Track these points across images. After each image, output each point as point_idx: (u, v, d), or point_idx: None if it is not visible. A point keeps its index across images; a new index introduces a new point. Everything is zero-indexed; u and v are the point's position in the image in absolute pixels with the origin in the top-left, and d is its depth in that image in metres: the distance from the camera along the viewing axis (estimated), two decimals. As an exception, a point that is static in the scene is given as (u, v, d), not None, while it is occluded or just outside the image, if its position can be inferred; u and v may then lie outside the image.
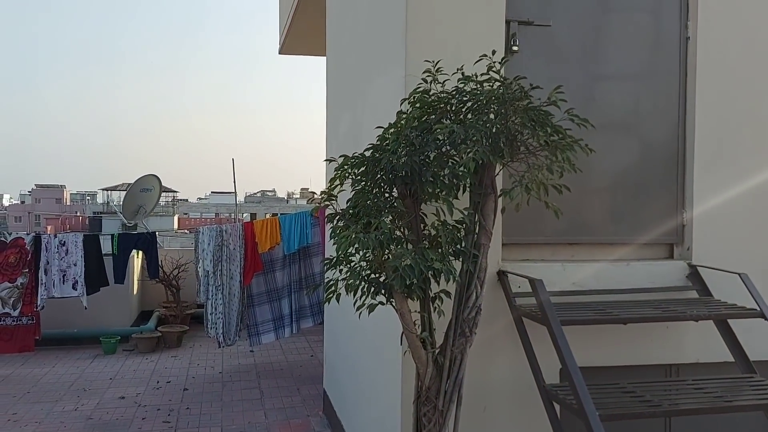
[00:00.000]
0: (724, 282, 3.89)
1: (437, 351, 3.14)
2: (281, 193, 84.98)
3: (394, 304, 3.10)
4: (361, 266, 3.06)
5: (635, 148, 4.09)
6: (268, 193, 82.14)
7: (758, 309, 3.49)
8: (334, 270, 3.14)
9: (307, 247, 7.99)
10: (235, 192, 16.60)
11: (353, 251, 3.05)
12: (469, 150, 2.91)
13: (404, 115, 3.23)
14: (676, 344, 3.95)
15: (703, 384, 3.35)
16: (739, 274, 3.69)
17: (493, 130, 2.96)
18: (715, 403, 3.10)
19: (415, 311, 3.12)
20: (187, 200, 78.49)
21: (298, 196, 76.84)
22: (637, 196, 4.07)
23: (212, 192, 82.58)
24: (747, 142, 4.10)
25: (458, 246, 3.14)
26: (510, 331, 3.70)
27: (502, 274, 3.72)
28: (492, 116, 3.04)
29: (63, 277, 7.80)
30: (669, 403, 3.08)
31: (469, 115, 3.11)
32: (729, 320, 3.66)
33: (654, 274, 3.95)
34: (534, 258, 3.96)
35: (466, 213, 3.11)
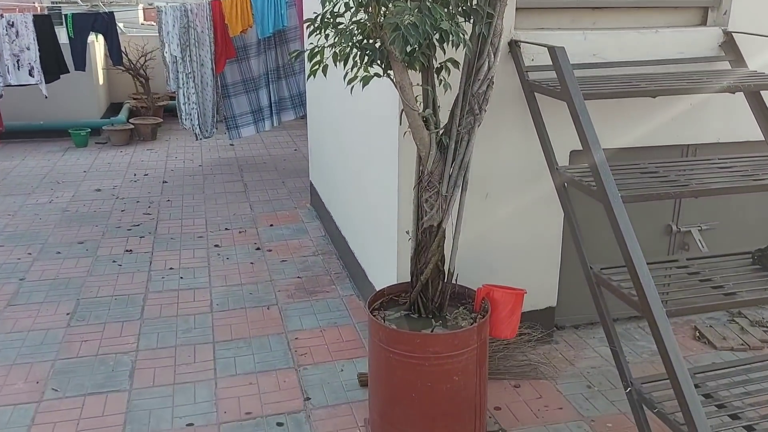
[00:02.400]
0: (762, 51, 3.43)
1: (441, 131, 2.73)
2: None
3: (392, 76, 2.63)
4: (351, 30, 2.53)
5: None
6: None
7: (800, 81, 3.07)
8: (318, 35, 2.61)
9: (283, 31, 7.24)
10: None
11: (342, 8, 2.50)
12: None
13: None
14: (697, 123, 3.59)
15: (730, 163, 3.03)
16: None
17: None
18: (745, 182, 2.81)
19: (417, 85, 2.66)
20: (152, -11, 72.97)
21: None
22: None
23: (178, -21, 76.61)
24: None
25: (469, 3, 2.60)
26: (519, 110, 3.28)
27: (513, 44, 3.21)
28: None
29: (17, 62, 7.09)
30: (696, 182, 2.79)
31: None
32: (763, 92, 3.27)
33: (684, 42, 3.45)
34: (550, 26, 3.42)
35: (480, -39, 2.52)
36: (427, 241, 2.81)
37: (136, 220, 5.88)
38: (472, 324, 2.77)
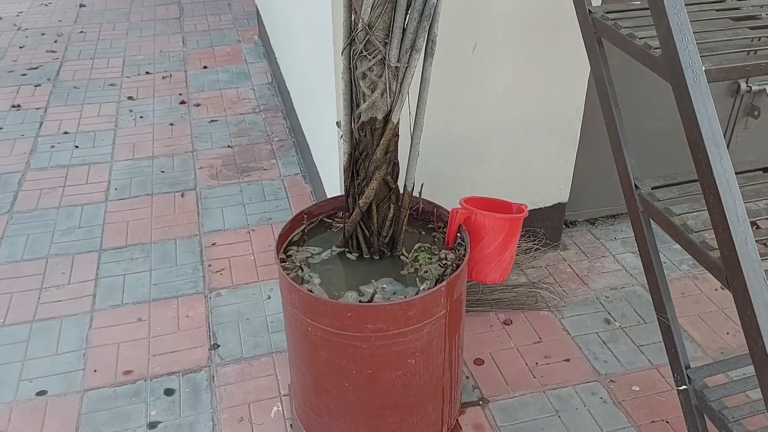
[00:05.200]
0: None
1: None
2: None
3: None
4: None
5: None
6: None
7: None
8: None
9: None
10: None
11: None
12: None
13: None
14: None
15: None
16: None
17: None
18: None
19: None
20: None
21: None
22: None
23: None
24: None
25: None
26: None
27: None
28: None
29: None
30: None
31: None
32: None
33: None
34: None
35: None
36: (367, 142, 1.69)
37: (36, 60, 4.62)
38: (440, 276, 1.75)
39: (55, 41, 4.93)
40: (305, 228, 1.93)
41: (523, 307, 2.44)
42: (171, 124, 3.77)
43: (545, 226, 2.67)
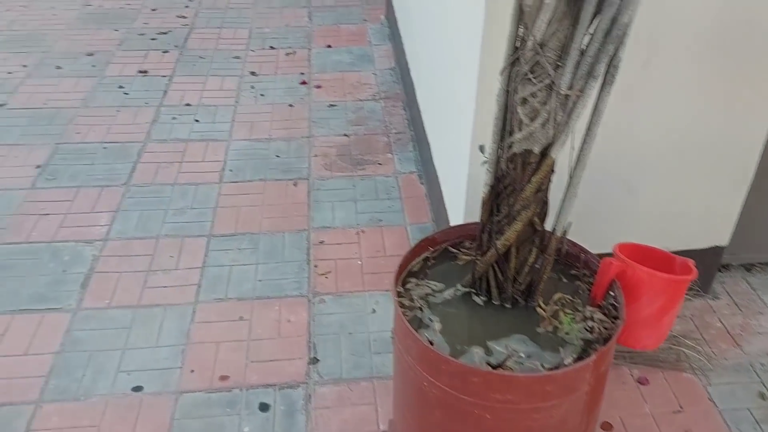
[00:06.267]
0: None
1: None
2: None
3: None
4: None
5: None
6: None
7: None
8: None
9: None
10: None
11: None
12: None
13: None
14: None
15: None
16: None
17: None
18: None
19: None
20: None
21: None
22: None
23: None
24: None
25: None
26: None
27: None
28: None
29: None
30: None
31: None
32: None
33: None
34: None
35: None
36: (516, 177, 1.44)
37: (166, 24, 4.63)
38: (585, 341, 1.48)
39: (186, 6, 4.93)
40: (427, 258, 1.71)
41: (662, 366, 2.13)
42: (290, 105, 3.65)
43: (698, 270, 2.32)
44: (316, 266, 2.55)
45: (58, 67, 4.01)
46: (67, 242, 2.67)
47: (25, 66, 4.02)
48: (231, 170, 3.12)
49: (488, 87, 1.64)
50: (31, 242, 2.67)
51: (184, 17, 4.75)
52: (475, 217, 1.59)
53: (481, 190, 1.53)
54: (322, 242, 2.68)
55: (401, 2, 3.94)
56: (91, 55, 4.17)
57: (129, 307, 2.37)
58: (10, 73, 3.94)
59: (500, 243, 1.50)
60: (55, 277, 2.49)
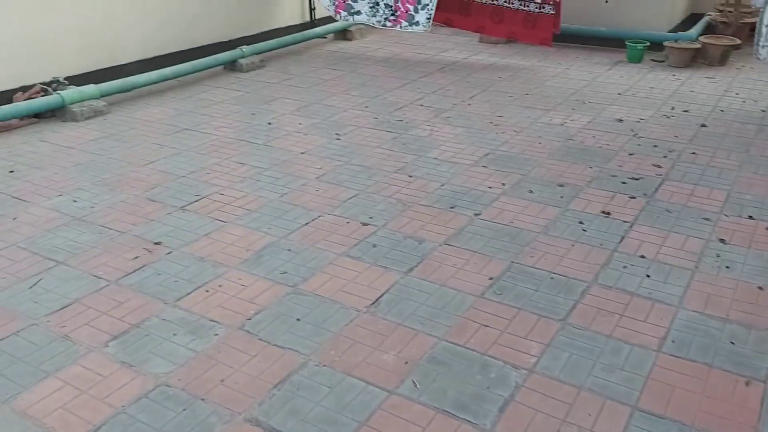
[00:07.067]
0: None
1: None
2: None
3: None
4: None
5: None
6: None
7: None
8: None
9: None
10: None
11: None
12: None
13: None
14: None
15: None
16: None
17: None
18: None
19: None
20: None
21: None
22: None
23: None
24: None
25: None
26: None
27: None
28: None
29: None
30: None
31: None
32: None
33: None
34: None
35: None
36: None
37: (640, 171, 4.64)
38: None
39: (664, 156, 4.88)
40: None
41: None
42: (759, 288, 3.22)
43: None
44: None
45: (530, 191, 4.36)
46: (497, 360, 2.80)
47: (503, 184, 4.49)
48: (673, 341, 2.87)
49: None
50: (467, 347, 2.88)
51: (659, 167, 4.70)
52: None
53: None
54: (768, 468, 2.23)
55: None
56: (561, 186, 4.43)
57: (535, 451, 2.34)
58: (490, 188, 4.45)
59: None
60: (479, 390, 2.62)
